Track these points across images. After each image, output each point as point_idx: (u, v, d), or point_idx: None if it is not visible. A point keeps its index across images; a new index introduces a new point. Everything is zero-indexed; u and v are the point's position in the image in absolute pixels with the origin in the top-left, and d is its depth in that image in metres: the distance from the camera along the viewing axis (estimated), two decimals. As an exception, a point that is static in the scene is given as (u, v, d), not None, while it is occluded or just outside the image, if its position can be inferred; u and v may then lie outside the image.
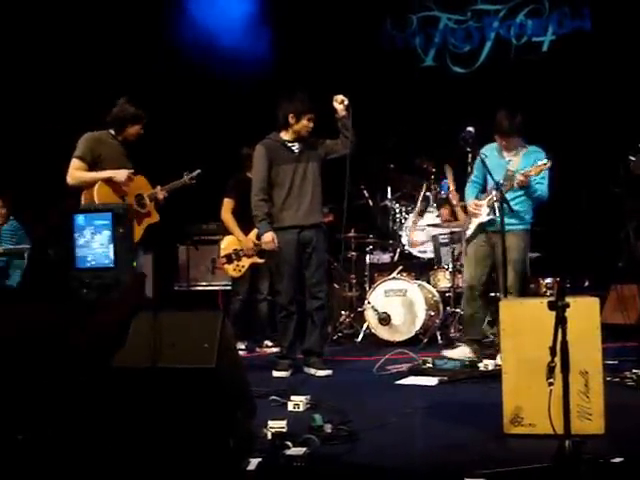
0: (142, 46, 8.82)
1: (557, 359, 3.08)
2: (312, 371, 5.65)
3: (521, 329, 3.66)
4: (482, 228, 5.80)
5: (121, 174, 5.26)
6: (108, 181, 5.24)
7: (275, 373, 5.63)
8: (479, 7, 9.84)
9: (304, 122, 5.64)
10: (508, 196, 5.50)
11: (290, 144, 5.70)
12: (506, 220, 5.46)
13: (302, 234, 5.68)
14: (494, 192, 5.56)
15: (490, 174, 5.47)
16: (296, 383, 5.24)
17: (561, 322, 2.98)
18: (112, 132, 5.44)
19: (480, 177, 5.92)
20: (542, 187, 5.67)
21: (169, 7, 9.15)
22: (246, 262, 6.83)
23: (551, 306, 3.01)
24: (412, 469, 3.16)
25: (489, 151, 5.84)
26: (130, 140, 5.48)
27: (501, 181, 5.53)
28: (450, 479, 2.97)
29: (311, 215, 5.70)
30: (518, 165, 5.69)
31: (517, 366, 3.63)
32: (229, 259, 6.86)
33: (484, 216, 5.74)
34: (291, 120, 5.64)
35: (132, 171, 5.34)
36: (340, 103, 5.61)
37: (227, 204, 6.92)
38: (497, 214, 5.48)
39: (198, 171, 5.87)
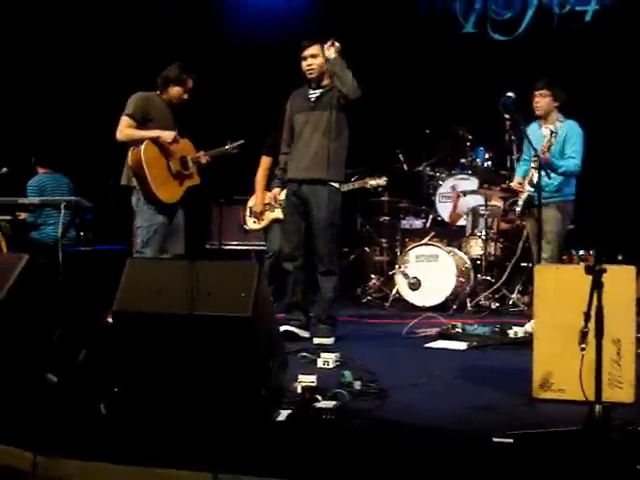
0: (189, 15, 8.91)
1: (591, 325, 3.07)
2: (315, 339, 5.26)
3: (555, 295, 3.65)
4: (527, 204, 5.81)
5: (168, 135, 5.32)
6: (155, 140, 5.29)
7: (282, 327, 5.07)
8: (523, -26, 9.65)
9: (302, 63, 5.31)
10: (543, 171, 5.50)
11: (311, 91, 5.36)
12: (544, 194, 5.49)
13: (300, 189, 5.32)
14: (532, 164, 5.58)
15: (531, 144, 5.45)
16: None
17: (597, 287, 2.97)
18: (158, 92, 5.50)
19: (528, 156, 5.93)
20: (568, 162, 5.72)
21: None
22: (267, 217, 6.77)
23: (588, 270, 3.00)
24: (440, 427, 3.18)
25: (532, 128, 5.94)
26: (174, 103, 5.51)
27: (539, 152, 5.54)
28: (478, 439, 2.98)
29: (313, 169, 5.25)
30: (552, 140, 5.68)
31: (549, 331, 3.63)
32: (250, 212, 6.96)
33: (525, 193, 5.77)
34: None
35: (175, 133, 5.37)
36: (331, 46, 5.16)
37: (263, 162, 6.83)
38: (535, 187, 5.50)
39: (241, 141, 5.81)
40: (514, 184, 6.08)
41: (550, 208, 5.70)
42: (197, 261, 3.02)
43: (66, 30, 8.96)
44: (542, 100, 5.88)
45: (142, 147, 5.24)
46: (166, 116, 5.48)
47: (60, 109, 8.79)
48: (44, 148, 7.90)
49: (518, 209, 5.90)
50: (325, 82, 5.36)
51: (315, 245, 5.30)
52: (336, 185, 5.31)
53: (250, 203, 6.99)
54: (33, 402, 3.09)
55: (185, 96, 5.51)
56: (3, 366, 3.12)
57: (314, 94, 5.33)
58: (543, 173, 5.29)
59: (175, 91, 5.47)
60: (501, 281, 7.05)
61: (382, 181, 6.47)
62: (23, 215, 7.30)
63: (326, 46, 5.19)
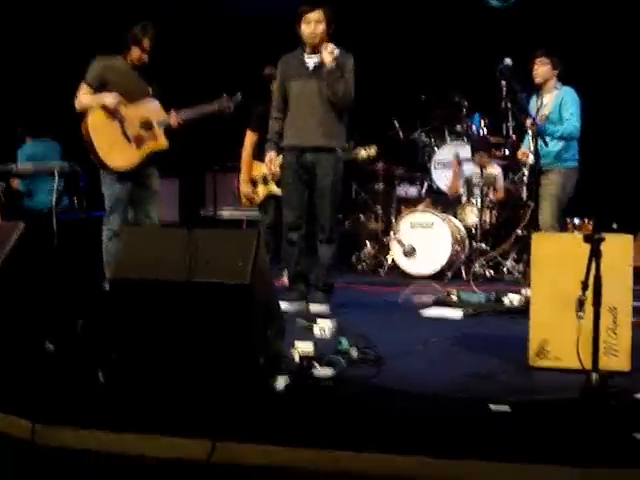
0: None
1: (588, 293, 3.08)
2: (310, 306, 5.22)
3: (552, 262, 3.64)
4: (534, 173, 5.85)
5: (108, 98, 5.16)
6: (104, 106, 5.18)
7: (284, 305, 4.77)
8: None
9: (303, 27, 5.12)
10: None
11: (307, 58, 5.19)
12: (545, 160, 5.63)
13: (303, 157, 5.19)
14: (530, 131, 5.67)
15: (529, 113, 5.50)
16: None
17: (596, 255, 2.97)
18: (123, 55, 5.34)
19: None
20: (564, 127, 5.77)
21: None
22: (262, 190, 6.54)
23: (587, 239, 3.00)
24: (437, 395, 3.19)
25: (532, 99, 6.02)
26: (138, 65, 5.32)
27: (537, 120, 5.63)
28: (474, 405, 3.00)
29: (315, 136, 5.14)
30: (551, 107, 5.84)
31: (546, 299, 3.63)
32: (240, 191, 6.67)
33: (530, 161, 5.86)
34: (297, 28, 5.15)
35: (116, 96, 5.17)
36: (329, 53, 5.02)
37: (249, 137, 6.56)
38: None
39: (238, 95, 5.55)
40: (519, 154, 6.17)
41: (551, 173, 5.81)
42: (195, 229, 3.00)
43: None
44: (541, 68, 5.93)
45: (88, 114, 5.16)
46: (128, 79, 5.29)
47: (45, 74, 8.68)
48: (30, 116, 7.82)
49: (525, 179, 5.97)
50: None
51: (318, 212, 5.23)
52: (340, 152, 5.25)
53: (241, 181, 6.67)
54: (31, 370, 3.09)
55: (144, 57, 5.29)
56: (1, 335, 3.11)
57: (311, 60, 5.18)
58: (540, 140, 5.32)
59: (135, 52, 5.28)
60: (499, 250, 7.05)
61: (372, 151, 6.44)
62: (16, 182, 7.26)
63: (324, 49, 5.05)
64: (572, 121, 5.81)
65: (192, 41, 9.03)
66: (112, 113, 5.19)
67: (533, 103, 5.96)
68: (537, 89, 6.01)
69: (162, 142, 5.35)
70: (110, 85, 5.24)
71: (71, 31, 8.72)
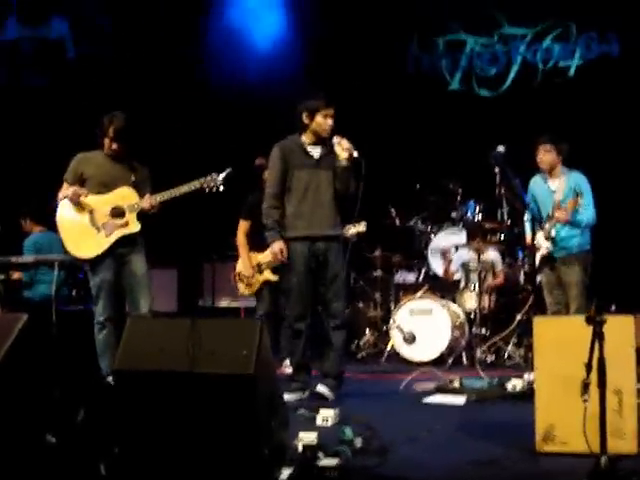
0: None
1: (592, 376, 3.07)
2: (323, 389, 5.18)
3: (555, 346, 3.64)
4: (546, 259, 5.93)
5: (64, 192, 5.32)
6: (70, 199, 5.31)
7: (286, 396, 4.70)
8: (506, 31, 9.85)
9: (319, 119, 5.20)
10: (559, 225, 5.78)
11: (310, 148, 5.28)
12: (566, 247, 5.83)
13: (314, 246, 5.25)
14: (547, 225, 5.80)
15: (523, 199, 5.64)
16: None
17: (598, 337, 2.97)
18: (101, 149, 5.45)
19: (535, 208, 6.06)
20: (586, 215, 5.84)
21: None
22: (258, 279, 6.57)
23: (589, 321, 3.01)
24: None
25: (536, 182, 6.09)
26: (114, 154, 5.37)
27: (550, 213, 5.82)
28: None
29: (326, 226, 5.26)
30: (563, 193, 5.88)
31: (550, 383, 3.61)
32: (240, 276, 6.69)
33: (543, 249, 5.89)
34: (305, 119, 5.23)
35: (76, 190, 5.28)
36: (344, 150, 5.18)
37: (241, 226, 6.65)
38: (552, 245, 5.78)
39: (228, 170, 5.38)
40: (529, 241, 6.15)
41: (572, 259, 5.86)
42: (198, 319, 3.01)
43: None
44: (546, 155, 5.94)
45: (58, 209, 5.34)
46: (103, 170, 5.37)
47: (52, 168, 8.83)
48: (40, 207, 7.90)
49: (537, 263, 6.02)
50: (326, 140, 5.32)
51: (329, 299, 5.27)
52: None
53: (238, 268, 6.71)
54: (33, 463, 3.04)
55: (114, 145, 5.34)
56: (2, 428, 3.08)
57: (315, 151, 5.29)
58: (564, 227, 5.64)
59: (106, 142, 5.36)
60: (502, 335, 7.03)
61: (362, 227, 6.49)
62: (17, 275, 7.28)
63: (337, 144, 5.19)
64: (590, 211, 5.85)
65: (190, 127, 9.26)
66: (81, 205, 5.30)
67: (542, 187, 6.01)
68: (539, 172, 6.07)
69: (132, 227, 5.32)
70: (86, 178, 5.37)
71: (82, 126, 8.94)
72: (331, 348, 5.29)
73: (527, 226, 6.21)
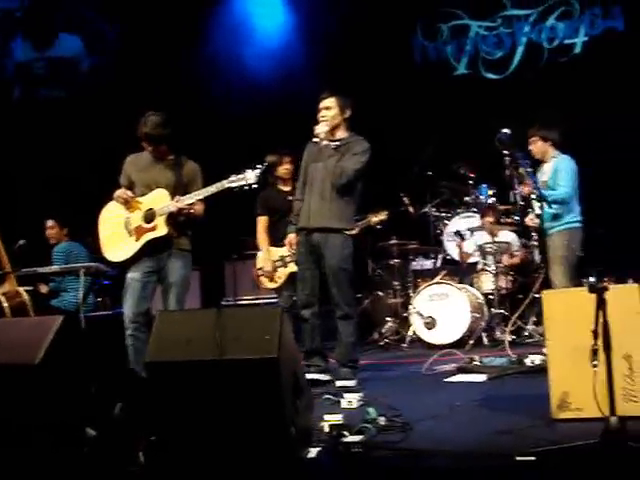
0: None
1: (599, 341, 3.21)
2: (337, 382, 5.28)
3: (564, 318, 3.78)
4: (540, 237, 6.25)
5: (116, 194, 5.35)
6: (117, 199, 5.36)
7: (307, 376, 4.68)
8: (509, 13, 9.94)
9: (318, 116, 5.42)
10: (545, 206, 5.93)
11: (324, 142, 5.39)
12: (548, 224, 6.07)
13: (310, 237, 5.41)
14: (533, 197, 5.94)
15: (531, 179, 5.81)
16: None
17: (601, 304, 3.11)
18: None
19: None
20: (557, 191, 6.12)
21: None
22: (283, 272, 6.62)
23: (591, 289, 3.15)
24: (464, 452, 3.29)
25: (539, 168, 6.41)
26: (157, 155, 5.34)
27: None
28: (502, 459, 3.10)
29: (320, 217, 5.35)
30: (548, 175, 6.25)
31: (562, 353, 3.76)
32: (262, 272, 6.73)
33: (537, 225, 6.12)
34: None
35: (122, 192, 5.32)
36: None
37: (259, 222, 6.72)
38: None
39: (259, 167, 5.08)
40: (527, 220, 6.41)
41: (554, 235, 6.11)
42: (223, 309, 3.18)
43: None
44: (534, 145, 6.38)
45: (102, 211, 5.42)
46: (146, 173, 5.34)
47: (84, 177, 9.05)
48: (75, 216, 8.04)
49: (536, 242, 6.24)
50: (339, 134, 5.47)
51: (330, 291, 5.39)
52: (347, 232, 5.44)
53: (258, 264, 6.77)
54: (75, 455, 3.23)
55: (149, 147, 5.31)
56: (45, 425, 3.26)
57: (330, 145, 5.39)
58: (543, 204, 5.73)
59: (144, 145, 5.36)
60: (516, 314, 7.13)
61: (384, 215, 6.66)
62: (44, 289, 7.44)
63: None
64: (562, 188, 6.14)
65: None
66: (125, 205, 5.32)
67: (539, 173, 6.33)
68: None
69: (159, 230, 5.18)
70: (133, 180, 5.38)
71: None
72: (340, 338, 5.44)
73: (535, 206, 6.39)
